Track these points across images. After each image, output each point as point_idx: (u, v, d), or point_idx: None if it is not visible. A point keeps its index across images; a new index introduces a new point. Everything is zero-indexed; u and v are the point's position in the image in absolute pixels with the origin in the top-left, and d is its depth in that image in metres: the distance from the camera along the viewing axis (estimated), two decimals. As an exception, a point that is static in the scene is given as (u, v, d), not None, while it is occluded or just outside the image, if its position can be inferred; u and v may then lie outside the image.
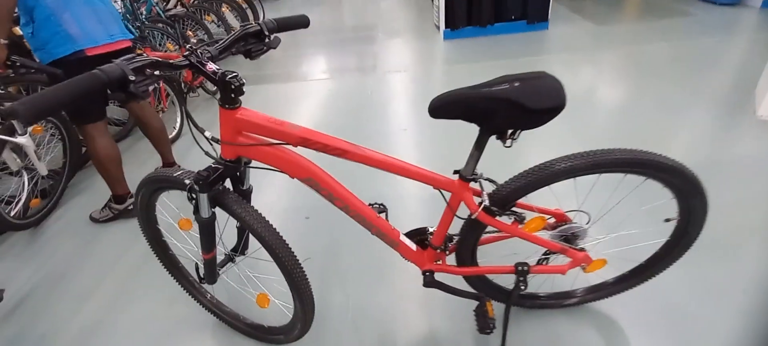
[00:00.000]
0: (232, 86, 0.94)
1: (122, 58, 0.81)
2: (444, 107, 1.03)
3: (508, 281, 1.42)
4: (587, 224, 1.31)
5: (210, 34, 4.14)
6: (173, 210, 1.49)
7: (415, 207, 2.23)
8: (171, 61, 0.89)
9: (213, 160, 1.09)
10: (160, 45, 3.60)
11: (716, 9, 5.04)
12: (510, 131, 1.06)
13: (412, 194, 2.30)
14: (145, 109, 2.39)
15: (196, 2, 4.57)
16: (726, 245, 1.73)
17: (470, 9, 5.00)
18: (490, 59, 4.27)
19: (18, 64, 2.19)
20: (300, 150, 1.08)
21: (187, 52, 0.93)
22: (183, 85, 3.27)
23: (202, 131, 1.02)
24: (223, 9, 4.73)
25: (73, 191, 2.70)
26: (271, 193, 2.44)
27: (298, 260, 1.20)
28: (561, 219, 1.33)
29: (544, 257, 1.39)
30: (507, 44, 4.66)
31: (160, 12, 3.88)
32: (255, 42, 1.09)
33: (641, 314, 1.51)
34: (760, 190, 2.04)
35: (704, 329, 1.46)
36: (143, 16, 3.73)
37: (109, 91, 0.77)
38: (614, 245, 1.42)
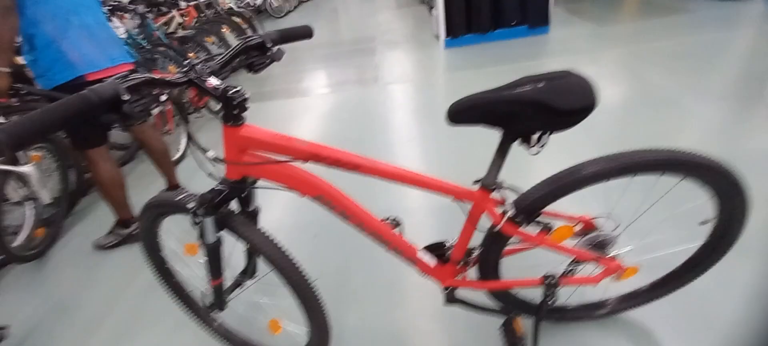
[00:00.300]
0: (235, 102, 0.88)
1: (115, 76, 0.75)
2: (464, 112, 0.97)
3: (534, 294, 1.34)
4: (616, 229, 1.23)
5: (211, 55, 4.12)
6: (178, 235, 1.43)
7: (428, 219, 2.15)
8: (168, 78, 0.83)
9: (217, 182, 1.02)
10: (161, 68, 3.57)
11: (716, 4, 4.96)
12: (536, 136, 0.99)
13: (424, 206, 2.22)
14: (146, 132, 2.34)
15: (196, 24, 4.56)
16: (759, 244, 1.64)
17: (470, 16, 4.96)
18: (493, 65, 4.21)
19: (23, 92, 2.17)
20: (308, 166, 1.02)
21: (186, 68, 0.87)
22: (188, 106, 3.23)
23: (204, 152, 0.96)
24: (223, 29, 4.72)
25: (76, 218, 2.64)
26: (277, 211, 2.37)
27: (310, 283, 1.13)
28: (588, 226, 1.25)
29: (570, 267, 1.31)
30: (509, 50, 4.61)
31: (162, 36, 3.86)
32: (257, 55, 1.03)
33: (677, 321, 1.42)
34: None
35: (746, 332, 1.37)
36: (142, 39, 3.71)
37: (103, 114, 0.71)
38: (646, 251, 1.34)
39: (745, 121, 2.56)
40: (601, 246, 1.24)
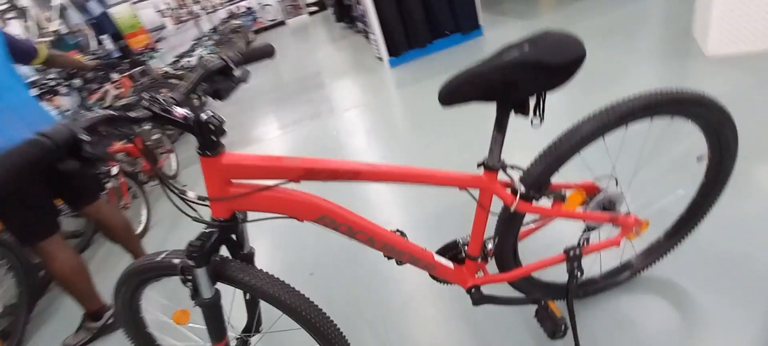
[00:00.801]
0: (212, 127, 0.77)
1: (68, 119, 0.63)
2: (456, 91, 0.91)
3: (556, 276, 1.28)
4: (617, 187, 1.19)
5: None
6: (162, 304, 1.26)
7: (422, 231, 2.07)
8: (132, 114, 0.71)
9: (204, 226, 0.89)
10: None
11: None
12: (533, 104, 0.95)
13: (417, 219, 2.14)
14: (101, 209, 2.13)
15: (133, 93, 4.34)
16: (740, 179, 1.66)
17: (407, 33, 5.05)
18: (441, 73, 4.26)
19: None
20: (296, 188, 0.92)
21: (148, 101, 0.75)
22: (141, 174, 3.02)
23: (183, 193, 0.83)
24: (163, 93, 4.51)
25: (36, 322, 2.35)
26: (262, 256, 2.21)
27: (329, 317, 1.01)
28: (591, 190, 1.21)
29: (584, 236, 1.26)
30: (452, 57, 4.72)
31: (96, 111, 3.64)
32: (222, 79, 0.93)
33: (696, 270, 1.40)
34: (739, 118, 2.02)
35: (760, 263, 1.36)
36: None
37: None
38: (654, 203, 1.32)
39: (684, 75, 2.67)
40: (610, 206, 1.20)
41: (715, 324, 1.25)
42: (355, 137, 3.47)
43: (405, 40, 5.09)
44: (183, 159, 4.08)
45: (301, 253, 2.15)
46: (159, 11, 8.82)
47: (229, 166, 0.82)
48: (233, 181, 0.86)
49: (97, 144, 0.62)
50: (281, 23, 14.19)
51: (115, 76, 4.33)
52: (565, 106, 2.75)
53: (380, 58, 5.24)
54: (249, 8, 13.65)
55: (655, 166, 1.51)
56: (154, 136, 3.70)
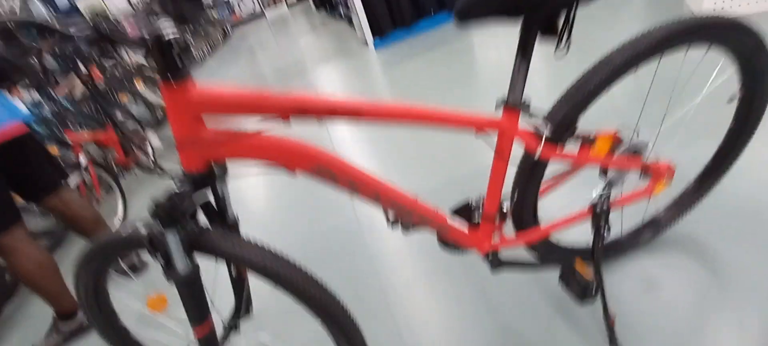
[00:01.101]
0: (173, 46, 0.61)
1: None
2: (476, 3, 0.76)
3: (575, 239, 1.15)
4: (642, 136, 1.07)
5: (130, 114, 3.68)
6: (134, 292, 1.10)
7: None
8: (69, 28, 0.55)
9: (174, 182, 0.73)
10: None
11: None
12: (561, 25, 0.81)
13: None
14: (69, 203, 1.92)
15: (105, 83, 4.09)
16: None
17: (391, 12, 4.92)
18: (426, 52, 4.11)
19: None
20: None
21: (94, 19, 0.59)
22: (115, 167, 2.80)
23: (143, 131, 0.67)
24: (137, 83, 4.27)
25: (4, 327, 2.15)
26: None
27: (334, 295, 0.85)
28: (613, 140, 1.09)
29: (606, 190, 1.13)
30: (437, 35, 4.58)
31: (65, 103, 3.40)
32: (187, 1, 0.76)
33: (723, 224, 1.29)
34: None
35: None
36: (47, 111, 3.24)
37: None
38: (678, 150, 1.20)
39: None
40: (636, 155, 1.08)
41: (744, 280, 1.14)
42: (340, 121, 3.30)
43: (389, 20, 4.96)
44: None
45: (291, 234, 1.99)
46: (130, 3, 8.46)
47: (199, 99, 0.66)
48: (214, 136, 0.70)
49: (14, 50, 0.46)
50: (260, 15, 13.86)
51: (81, 67, 4.06)
52: (552, 75, 2.63)
53: (365, 43, 5.07)
54: (226, 1, 13.29)
55: (678, 114, 1.40)
56: (131, 128, 3.49)
